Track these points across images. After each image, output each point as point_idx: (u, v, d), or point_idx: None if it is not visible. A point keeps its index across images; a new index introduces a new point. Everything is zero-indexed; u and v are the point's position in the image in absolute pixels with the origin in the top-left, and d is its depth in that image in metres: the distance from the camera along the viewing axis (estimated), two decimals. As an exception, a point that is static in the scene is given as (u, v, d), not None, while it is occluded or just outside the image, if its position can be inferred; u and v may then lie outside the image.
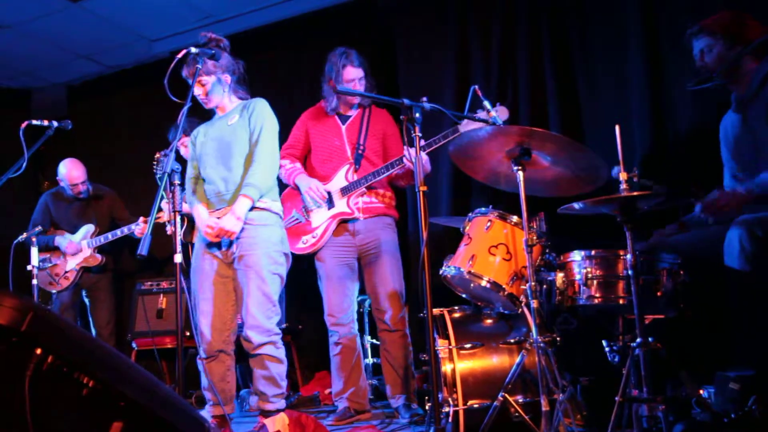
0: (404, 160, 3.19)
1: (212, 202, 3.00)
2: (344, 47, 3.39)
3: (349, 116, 3.45)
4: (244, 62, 3.17)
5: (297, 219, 3.41)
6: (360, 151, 3.37)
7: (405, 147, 3.04)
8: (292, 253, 3.21)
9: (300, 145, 3.50)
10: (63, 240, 4.52)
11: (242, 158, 2.95)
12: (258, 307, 2.84)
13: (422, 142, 3.11)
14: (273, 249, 2.90)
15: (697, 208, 2.43)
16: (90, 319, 4.64)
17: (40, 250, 4.53)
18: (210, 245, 2.97)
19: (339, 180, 3.36)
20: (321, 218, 3.36)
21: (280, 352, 2.93)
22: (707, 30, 2.53)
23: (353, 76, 3.33)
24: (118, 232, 4.41)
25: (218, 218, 2.89)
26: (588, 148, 2.33)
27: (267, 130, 2.96)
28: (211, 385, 2.90)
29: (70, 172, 4.53)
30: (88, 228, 4.55)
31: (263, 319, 2.84)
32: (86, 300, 4.65)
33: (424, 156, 3.14)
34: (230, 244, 2.92)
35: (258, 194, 2.86)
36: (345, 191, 3.33)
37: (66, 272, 4.51)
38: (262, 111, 3.01)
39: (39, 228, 4.24)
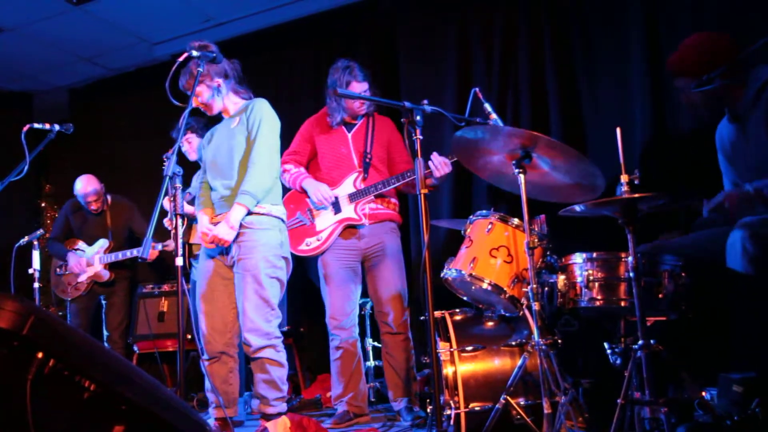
0: (430, 165, 3.15)
1: (216, 207, 3.01)
2: (346, 60, 3.37)
3: (354, 125, 3.46)
4: (246, 65, 3.16)
5: (301, 221, 3.41)
6: (368, 160, 3.38)
7: (433, 155, 3.11)
8: (295, 255, 3.21)
9: (305, 152, 3.50)
10: (72, 257, 4.55)
11: (243, 165, 2.94)
12: (256, 310, 2.83)
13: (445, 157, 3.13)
14: (271, 253, 2.89)
15: (705, 210, 2.40)
16: (103, 320, 4.66)
17: (57, 258, 4.65)
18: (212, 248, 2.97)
19: (347, 186, 3.36)
20: (327, 222, 3.36)
21: (281, 356, 2.92)
22: (678, 72, 2.50)
23: (358, 90, 3.32)
24: (128, 253, 4.47)
25: (217, 223, 2.90)
26: (585, 157, 2.32)
27: (264, 130, 2.92)
28: (213, 387, 2.90)
29: (84, 188, 4.55)
30: (102, 243, 4.59)
31: (262, 323, 2.84)
32: (103, 303, 4.68)
33: (449, 165, 3.13)
34: (230, 248, 2.92)
35: (253, 202, 2.84)
36: (353, 198, 3.33)
37: (77, 283, 4.55)
38: (259, 111, 2.96)
39: (40, 231, 4.26)
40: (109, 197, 4.72)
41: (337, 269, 3.35)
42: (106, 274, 4.53)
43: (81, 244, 4.63)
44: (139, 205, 5.15)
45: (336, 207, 3.35)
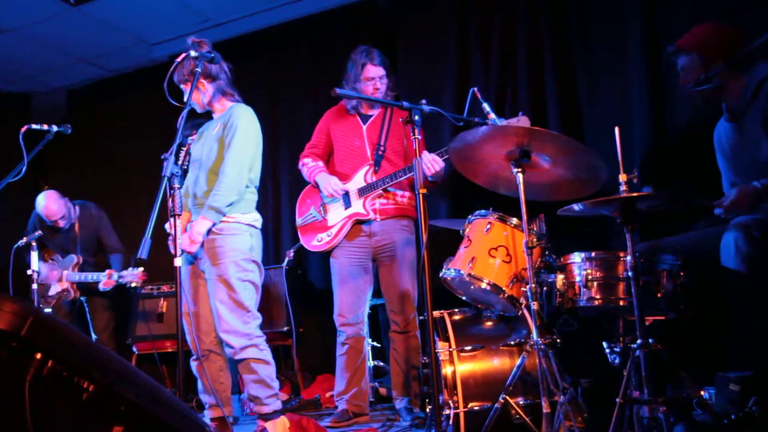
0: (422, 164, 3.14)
1: (192, 212, 3.04)
2: (367, 45, 3.37)
3: (370, 116, 3.44)
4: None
5: (314, 216, 3.42)
6: (380, 152, 3.35)
7: (423, 153, 3.03)
8: (302, 253, 3.20)
9: (322, 145, 3.51)
10: (44, 267, 4.47)
11: (215, 173, 2.95)
12: (231, 313, 2.86)
13: (434, 153, 3.11)
14: (240, 257, 2.90)
15: (717, 210, 2.40)
16: (89, 323, 4.62)
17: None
18: None
19: (358, 180, 3.35)
20: (337, 217, 3.36)
21: (265, 354, 2.94)
22: (683, 49, 2.52)
23: (373, 74, 3.30)
24: (89, 276, 4.34)
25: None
26: (587, 146, 2.33)
27: (238, 139, 2.92)
28: (205, 387, 2.93)
29: (48, 208, 4.37)
30: (70, 260, 4.49)
31: (239, 324, 2.86)
32: (85, 305, 4.63)
33: (440, 162, 3.12)
34: (199, 254, 2.94)
35: (218, 216, 2.86)
36: (362, 192, 3.32)
37: (49, 296, 4.47)
38: (237, 119, 2.96)
39: (39, 232, 4.23)
40: (77, 208, 4.58)
41: (347, 266, 3.35)
42: (71, 293, 4.45)
43: (56, 256, 4.57)
44: (139, 205, 5.15)
45: (346, 202, 3.35)
